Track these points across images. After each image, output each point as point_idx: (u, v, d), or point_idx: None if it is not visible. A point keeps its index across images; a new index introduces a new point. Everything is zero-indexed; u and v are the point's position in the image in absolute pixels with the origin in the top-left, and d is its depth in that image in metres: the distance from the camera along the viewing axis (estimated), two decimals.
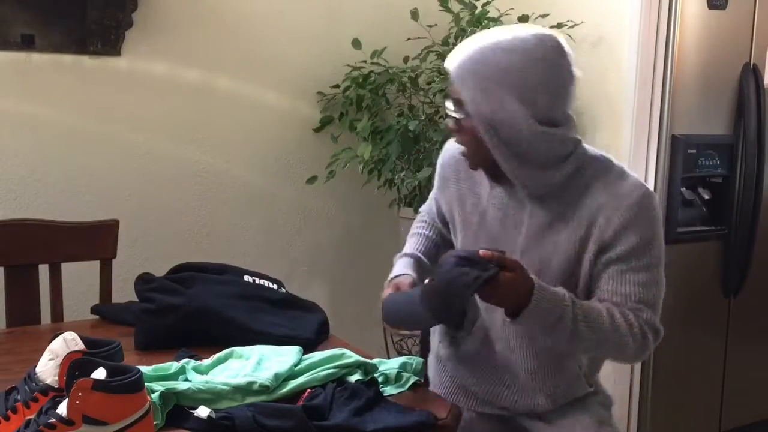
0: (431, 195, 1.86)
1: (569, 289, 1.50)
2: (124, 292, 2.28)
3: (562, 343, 1.51)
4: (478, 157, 1.56)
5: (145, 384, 1.27)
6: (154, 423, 1.31)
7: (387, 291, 1.63)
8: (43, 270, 2.24)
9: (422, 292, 1.45)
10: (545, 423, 1.70)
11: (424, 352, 1.82)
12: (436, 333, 1.85)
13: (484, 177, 1.64)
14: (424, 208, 1.93)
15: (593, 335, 1.47)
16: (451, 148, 1.73)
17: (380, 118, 3.05)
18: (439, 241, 1.85)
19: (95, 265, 2.30)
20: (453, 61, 1.52)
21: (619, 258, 1.50)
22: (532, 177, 1.53)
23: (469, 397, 1.76)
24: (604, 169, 1.56)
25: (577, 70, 1.52)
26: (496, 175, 1.59)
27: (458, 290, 1.39)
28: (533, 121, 1.46)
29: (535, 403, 1.68)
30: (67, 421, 1.17)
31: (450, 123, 1.57)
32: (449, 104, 1.55)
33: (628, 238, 1.49)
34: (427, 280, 1.47)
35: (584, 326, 1.46)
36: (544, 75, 1.46)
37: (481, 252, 1.40)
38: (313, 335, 1.87)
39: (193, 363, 1.59)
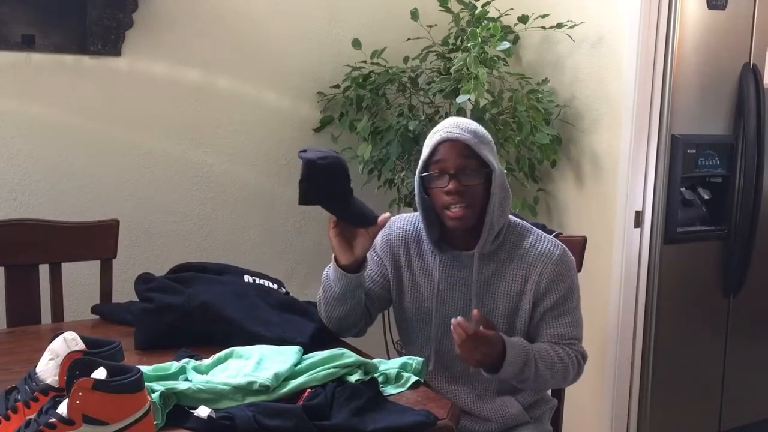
0: (368, 257, 1.98)
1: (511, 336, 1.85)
2: (124, 292, 2.29)
3: (530, 383, 1.84)
4: (477, 209, 1.84)
5: (146, 384, 1.27)
6: (155, 423, 1.31)
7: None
8: (43, 270, 2.24)
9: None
10: None
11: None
12: None
13: (429, 252, 1.93)
14: None
15: (547, 371, 1.82)
16: (397, 223, 1.99)
17: (380, 118, 3.05)
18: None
19: (95, 265, 2.30)
20: (465, 134, 1.82)
21: (552, 306, 1.87)
22: (495, 232, 1.86)
23: None
24: (525, 232, 1.92)
25: None
26: (464, 237, 1.88)
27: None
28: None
29: (485, 429, 1.90)
30: (68, 421, 1.17)
31: (474, 180, 1.82)
32: (472, 168, 1.82)
33: (558, 288, 1.87)
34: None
35: (541, 364, 1.80)
36: None
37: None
38: (307, 339, 1.82)
39: (193, 363, 1.59)
